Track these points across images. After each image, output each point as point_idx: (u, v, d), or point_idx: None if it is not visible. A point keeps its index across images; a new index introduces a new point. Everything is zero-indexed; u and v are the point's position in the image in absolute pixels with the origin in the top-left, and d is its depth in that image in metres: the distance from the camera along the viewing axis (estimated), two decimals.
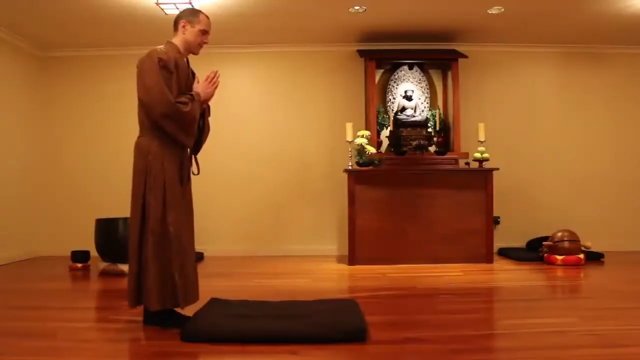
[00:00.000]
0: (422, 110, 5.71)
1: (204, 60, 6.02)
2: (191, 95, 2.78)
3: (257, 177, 5.94)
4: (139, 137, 2.78)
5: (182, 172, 2.81)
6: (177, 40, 2.89)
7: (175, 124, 2.68)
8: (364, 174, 5.15)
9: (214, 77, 2.90)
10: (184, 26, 2.87)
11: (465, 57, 5.64)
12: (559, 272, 4.61)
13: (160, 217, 2.64)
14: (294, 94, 6.04)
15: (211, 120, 6.32)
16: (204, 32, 2.92)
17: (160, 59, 2.68)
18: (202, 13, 2.94)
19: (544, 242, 5.16)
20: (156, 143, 2.70)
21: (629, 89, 6.12)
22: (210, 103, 6.35)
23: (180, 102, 2.70)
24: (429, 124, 5.63)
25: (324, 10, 4.95)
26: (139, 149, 2.75)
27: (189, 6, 4.70)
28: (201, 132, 2.96)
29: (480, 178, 5.18)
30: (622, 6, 4.87)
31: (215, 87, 2.91)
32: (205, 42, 2.96)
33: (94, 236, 4.80)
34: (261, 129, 6.01)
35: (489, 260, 5.09)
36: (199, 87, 2.88)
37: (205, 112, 2.97)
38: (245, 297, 3.39)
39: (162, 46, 2.83)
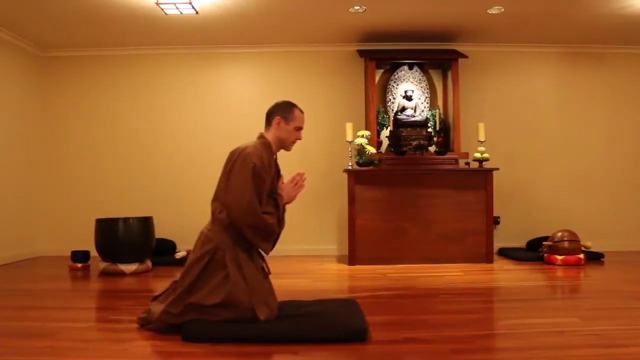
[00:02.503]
0: (422, 110, 5.71)
1: (203, 60, 6.05)
2: (276, 201, 2.75)
3: None
4: (208, 230, 2.75)
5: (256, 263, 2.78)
6: (270, 136, 2.84)
7: (259, 233, 2.67)
8: (364, 174, 5.15)
9: (299, 180, 2.86)
10: (278, 123, 2.82)
11: (465, 57, 5.64)
12: (559, 272, 4.62)
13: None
14: (294, 94, 5.99)
15: (212, 120, 6.30)
16: (299, 129, 2.88)
17: (254, 166, 2.63)
18: (297, 108, 2.89)
19: (544, 242, 5.16)
20: (228, 240, 2.68)
21: (629, 89, 6.12)
22: (210, 103, 6.32)
23: (267, 213, 2.67)
24: (429, 124, 5.63)
25: (324, 10, 4.95)
26: (205, 240, 2.71)
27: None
28: (281, 223, 2.88)
29: (480, 178, 5.18)
30: (622, 6, 4.87)
31: (300, 190, 2.87)
32: (299, 139, 2.91)
33: (94, 236, 4.80)
34: (261, 129, 5.97)
35: (489, 260, 5.09)
36: (284, 189, 2.83)
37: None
38: None
39: (256, 143, 2.76)
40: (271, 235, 2.74)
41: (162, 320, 2.64)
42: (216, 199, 2.78)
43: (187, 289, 2.65)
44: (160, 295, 2.89)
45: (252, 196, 2.60)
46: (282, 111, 2.85)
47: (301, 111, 2.91)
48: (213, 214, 2.78)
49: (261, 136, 2.86)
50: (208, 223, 2.82)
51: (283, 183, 2.89)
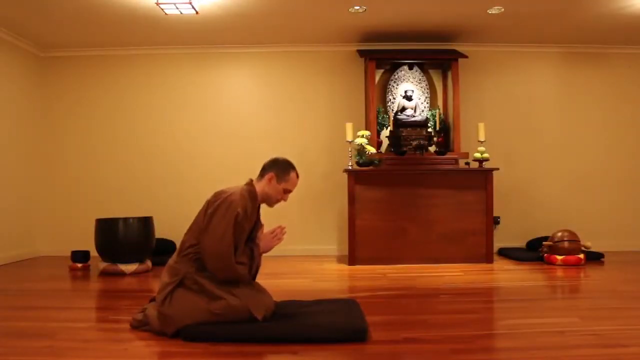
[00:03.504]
0: (422, 110, 5.71)
1: (203, 59, 6.05)
2: (252, 250, 2.73)
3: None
4: (175, 262, 2.70)
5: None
6: (259, 187, 2.78)
7: (226, 276, 2.63)
8: (364, 174, 5.15)
9: (279, 233, 2.82)
10: (270, 179, 2.76)
11: (465, 57, 5.64)
12: (559, 272, 4.62)
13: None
14: (294, 94, 6.04)
15: (212, 120, 6.28)
16: (288, 192, 2.82)
17: (237, 215, 2.59)
18: (294, 171, 2.82)
19: (544, 242, 5.16)
20: (193, 270, 2.65)
21: (629, 89, 6.12)
22: (210, 103, 6.30)
23: (240, 263, 2.63)
24: (429, 124, 5.63)
25: (324, 10, 4.95)
26: (172, 272, 2.68)
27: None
28: (253, 271, 2.84)
29: (480, 178, 5.18)
30: (622, 6, 4.87)
31: (277, 243, 2.82)
32: (284, 200, 2.85)
33: (94, 236, 4.80)
34: (261, 129, 6.01)
35: (489, 260, 5.09)
36: (262, 239, 2.80)
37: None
38: None
39: (243, 190, 2.70)
40: (239, 281, 2.70)
41: (161, 332, 2.64)
42: (190, 232, 2.73)
43: (170, 318, 2.59)
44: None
45: (230, 243, 2.57)
46: (278, 169, 2.79)
47: (297, 175, 2.84)
48: (182, 245, 2.73)
49: (250, 183, 2.81)
50: (175, 254, 2.77)
51: (263, 233, 2.85)
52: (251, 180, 2.83)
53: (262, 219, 5.69)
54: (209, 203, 2.70)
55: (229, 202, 2.62)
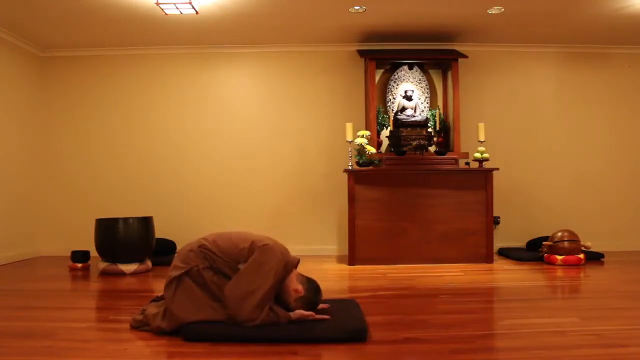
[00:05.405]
0: (422, 110, 5.71)
1: (203, 60, 6.05)
2: (277, 318, 2.60)
3: (257, 177, 5.95)
4: (190, 250, 2.71)
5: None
6: (292, 275, 2.72)
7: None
8: (364, 174, 5.15)
9: (314, 318, 2.70)
10: (297, 291, 2.68)
11: (465, 57, 5.64)
12: (559, 272, 4.62)
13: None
14: (294, 94, 6.04)
15: (212, 120, 6.27)
16: (285, 291, 2.72)
17: (272, 286, 2.59)
18: (308, 307, 2.72)
19: (544, 242, 5.16)
20: (202, 266, 2.66)
21: (629, 89, 6.12)
22: (210, 103, 6.29)
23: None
24: (429, 124, 5.63)
25: (324, 10, 4.95)
26: (184, 258, 2.69)
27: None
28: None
29: (480, 178, 5.18)
30: (622, 6, 4.87)
31: (304, 319, 2.70)
32: (279, 294, 2.77)
33: (94, 236, 4.80)
34: (261, 129, 6.01)
35: (489, 260, 5.09)
36: (298, 315, 2.68)
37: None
38: None
39: (289, 259, 2.69)
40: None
41: (160, 331, 2.64)
42: (219, 241, 2.72)
43: (175, 308, 2.61)
44: (160, 299, 2.88)
45: (253, 306, 2.54)
46: (307, 296, 2.70)
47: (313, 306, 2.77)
48: (205, 241, 2.73)
49: (295, 264, 2.79)
50: (195, 241, 2.76)
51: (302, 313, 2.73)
52: (298, 261, 2.81)
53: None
54: (255, 244, 2.68)
55: (270, 269, 2.60)
